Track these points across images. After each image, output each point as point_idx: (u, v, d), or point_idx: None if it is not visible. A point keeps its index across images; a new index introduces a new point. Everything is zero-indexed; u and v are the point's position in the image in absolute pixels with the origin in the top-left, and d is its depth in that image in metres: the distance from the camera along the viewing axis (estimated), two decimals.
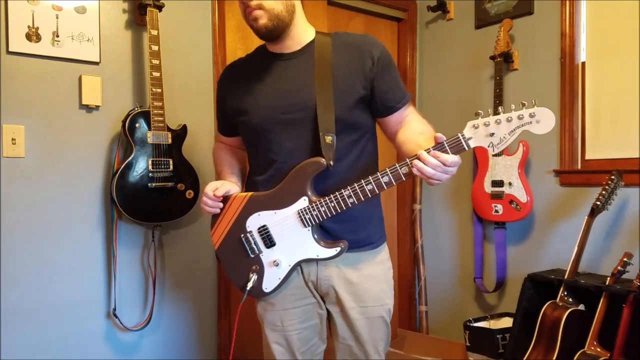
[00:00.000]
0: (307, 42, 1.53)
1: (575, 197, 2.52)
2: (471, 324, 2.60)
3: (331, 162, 1.43)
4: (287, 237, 1.48)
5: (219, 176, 1.70)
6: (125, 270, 2.19)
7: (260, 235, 1.50)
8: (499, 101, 2.65)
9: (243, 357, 2.55)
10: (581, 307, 2.22)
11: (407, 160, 1.34)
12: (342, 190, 1.40)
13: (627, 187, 2.30)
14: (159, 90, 2.06)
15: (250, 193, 1.53)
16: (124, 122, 2.06)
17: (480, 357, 2.53)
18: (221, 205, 1.56)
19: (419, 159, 1.30)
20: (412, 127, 1.51)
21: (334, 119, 1.44)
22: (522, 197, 2.57)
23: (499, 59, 2.67)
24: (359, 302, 1.54)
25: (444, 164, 1.28)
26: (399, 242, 3.23)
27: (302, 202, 1.45)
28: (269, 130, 1.50)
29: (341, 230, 1.49)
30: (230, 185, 1.58)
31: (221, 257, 1.58)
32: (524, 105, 1.25)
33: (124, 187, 2.02)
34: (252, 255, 1.52)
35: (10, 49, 1.93)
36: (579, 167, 2.55)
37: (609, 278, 2.14)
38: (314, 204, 1.43)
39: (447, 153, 1.29)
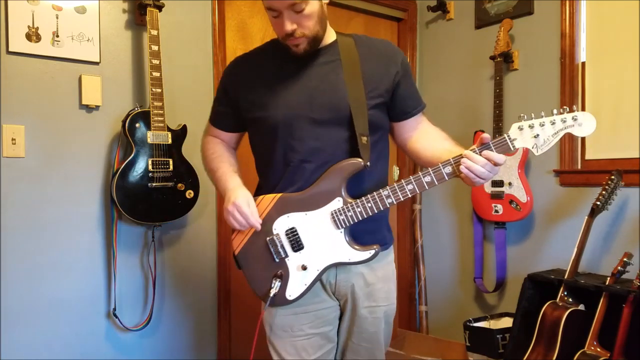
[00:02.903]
0: (330, 41, 1.50)
1: (575, 197, 2.52)
2: (471, 324, 2.60)
3: (368, 163, 1.39)
4: (318, 239, 1.41)
5: (215, 173, 1.59)
6: (125, 270, 2.19)
7: (288, 238, 1.42)
8: (499, 101, 2.65)
9: (243, 357, 2.56)
10: (581, 307, 2.22)
11: (451, 160, 1.33)
12: (380, 190, 1.37)
13: (627, 187, 2.30)
14: (159, 90, 2.06)
15: (280, 194, 1.44)
16: (124, 122, 2.06)
17: (480, 357, 2.53)
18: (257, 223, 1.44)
19: (467, 158, 1.30)
20: (432, 134, 1.53)
21: (367, 120, 1.42)
22: (522, 197, 2.57)
23: (499, 59, 2.67)
24: (370, 301, 1.52)
25: (494, 163, 1.29)
26: (399, 242, 3.22)
27: (337, 203, 1.39)
28: (293, 127, 1.43)
29: (362, 231, 1.45)
30: (248, 194, 1.47)
31: (242, 262, 1.48)
32: (565, 110, 1.30)
33: (124, 187, 2.02)
34: (277, 260, 1.43)
35: (10, 49, 1.93)
36: (579, 167, 2.55)
37: (609, 278, 2.14)
38: (348, 205, 1.38)
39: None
